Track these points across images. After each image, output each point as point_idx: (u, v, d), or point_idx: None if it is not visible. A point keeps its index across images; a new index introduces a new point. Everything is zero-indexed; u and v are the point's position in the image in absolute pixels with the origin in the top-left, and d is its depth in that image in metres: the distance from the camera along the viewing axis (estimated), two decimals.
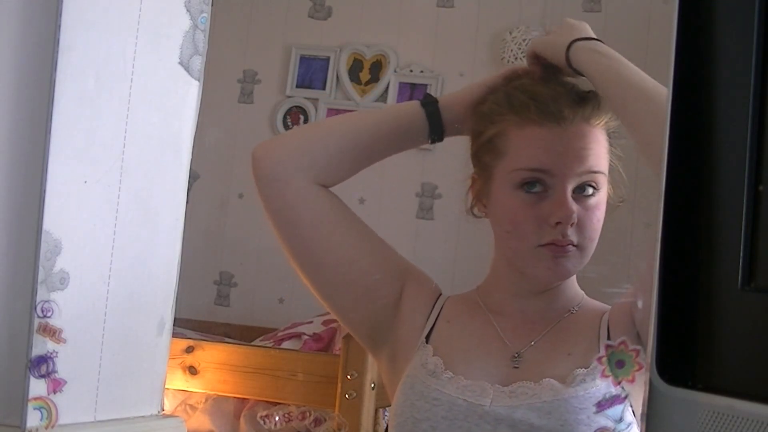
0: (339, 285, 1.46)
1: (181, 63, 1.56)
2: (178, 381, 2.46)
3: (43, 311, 1.38)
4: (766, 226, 0.68)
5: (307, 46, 3.78)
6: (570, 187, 1.35)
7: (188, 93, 1.59)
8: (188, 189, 1.62)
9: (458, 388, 1.36)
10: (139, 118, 1.50)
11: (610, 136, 1.40)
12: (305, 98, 3.75)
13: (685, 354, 0.72)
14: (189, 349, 2.47)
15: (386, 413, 2.46)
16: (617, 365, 1.34)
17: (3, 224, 1.38)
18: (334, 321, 2.86)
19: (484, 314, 1.45)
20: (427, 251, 3.33)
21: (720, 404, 0.68)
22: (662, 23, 3.26)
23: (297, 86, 3.77)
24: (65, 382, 1.41)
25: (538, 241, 1.35)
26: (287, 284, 3.61)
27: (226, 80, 3.81)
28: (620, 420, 1.32)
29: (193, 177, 3.62)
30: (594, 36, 1.41)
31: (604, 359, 1.34)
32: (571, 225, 1.34)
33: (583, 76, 1.39)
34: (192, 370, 2.46)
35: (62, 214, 1.40)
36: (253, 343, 2.95)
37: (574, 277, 1.44)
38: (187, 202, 1.62)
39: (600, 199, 1.38)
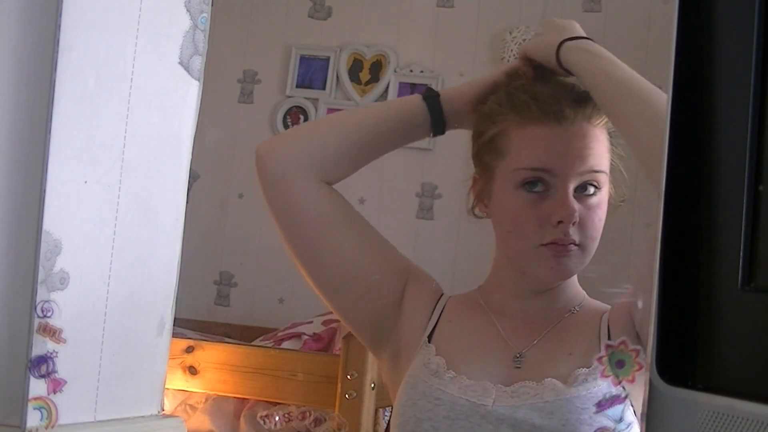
0: (341, 284, 1.46)
1: (181, 63, 1.56)
2: (178, 381, 2.46)
3: (43, 311, 1.38)
4: (766, 226, 0.68)
5: (307, 46, 3.78)
6: (571, 187, 1.35)
7: (188, 93, 1.59)
8: (188, 189, 1.62)
9: (460, 388, 1.36)
10: (139, 118, 1.50)
11: (611, 135, 1.40)
12: (305, 98, 3.75)
13: (685, 354, 0.72)
14: (189, 349, 2.47)
15: (386, 413, 2.45)
16: (617, 365, 1.34)
17: (3, 224, 1.38)
18: (334, 321, 2.86)
19: (486, 314, 1.45)
20: (427, 251, 3.33)
21: (720, 404, 0.68)
22: (662, 23, 3.26)
23: (297, 86, 3.77)
24: (65, 382, 1.41)
25: (540, 240, 1.35)
26: (287, 284, 3.61)
27: (226, 80, 3.81)
28: (620, 420, 1.32)
29: (193, 177, 3.62)
30: (583, 34, 1.40)
31: (605, 359, 1.34)
32: (573, 224, 1.34)
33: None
34: (192, 370, 2.46)
35: (62, 214, 1.40)
36: (253, 343, 2.95)
37: (575, 277, 1.44)
38: (187, 202, 1.62)
39: (601, 199, 1.38)
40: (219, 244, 3.80)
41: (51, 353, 1.39)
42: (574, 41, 1.38)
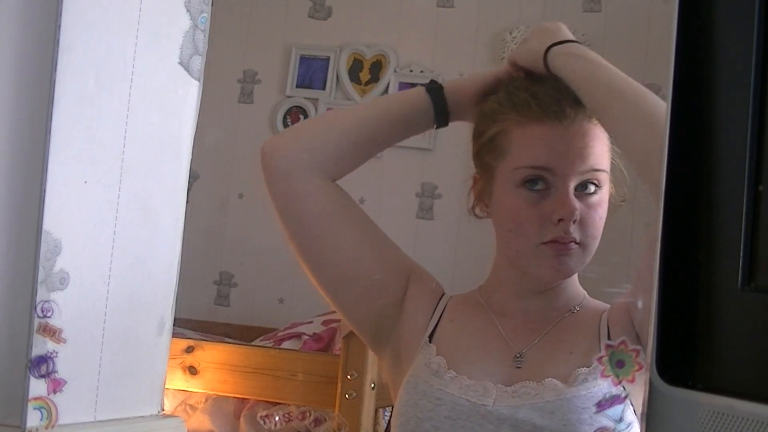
0: (343, 283, 1.46)
1: (181, 63, 1.56)
2: (178, 381, 2.46)
3: (43, 311, 1.38)
4: (766, 226, 0.68)
5: (307, 46, 3.78)
6: (572, 185, 1.35)
7: (188, 93, 1.59)
8: (188, 189, 1.62)
9: (461, 388, 1.36)
10: (139, 118, 1.50)
11: None
12: (305, 98, 3.75)
13: (685, 354, 0.72)
14: (189, 349, 2.47)
15: (386, 413, 2.45)
16: (617, 365, 1.34)
17: (3, 224, 1.38)
18: (334, 321, 2.86)
19: (487, 314, 1.45)
20: (427, 251, 3.33)
21: (720, 404, 0.68)
22: (662, 23, 3.26)
23: (297, 86, 3.77)
24: (65, 382, 1.41)
25: (541, 239, 1.35)
26: (287, 284, 3.61)
27: (226, 80, 3.81)
28: (620, 420, 1.32)
29: (193, 177, 3.62)
30: (571, 37, 1.40)
31: (605, 359, 1.34)
32: (574, 222, 1.34)
33: None
34: (192, 370, 2.46)
35: (62, 214, 1.40)
36: (253, 343, 2.95)
37: (575, 277, 1.44)
38: (187, 202, 1.62)
39: (602, 197, 1.38)
40: (219, 244, 3.80)
41: (51, 353, 1.39)
42: (560, 46, 1.37)
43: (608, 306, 1.43)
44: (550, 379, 1.34)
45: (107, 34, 1.44)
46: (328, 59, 3.74)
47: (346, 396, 2.27)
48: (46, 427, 1.39)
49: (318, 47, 3.77)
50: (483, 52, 3.57)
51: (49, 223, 1.38)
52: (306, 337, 2.85)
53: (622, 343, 1.34)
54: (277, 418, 2.37)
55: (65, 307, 1.40)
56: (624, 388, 1.33)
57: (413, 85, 3.58)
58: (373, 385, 2.28)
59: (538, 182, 1.36)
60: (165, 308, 1.59)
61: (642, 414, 0.74)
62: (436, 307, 1.47)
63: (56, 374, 1.40)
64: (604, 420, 1.31)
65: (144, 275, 1.54)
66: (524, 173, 1.36)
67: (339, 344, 2.59)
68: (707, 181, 0.73)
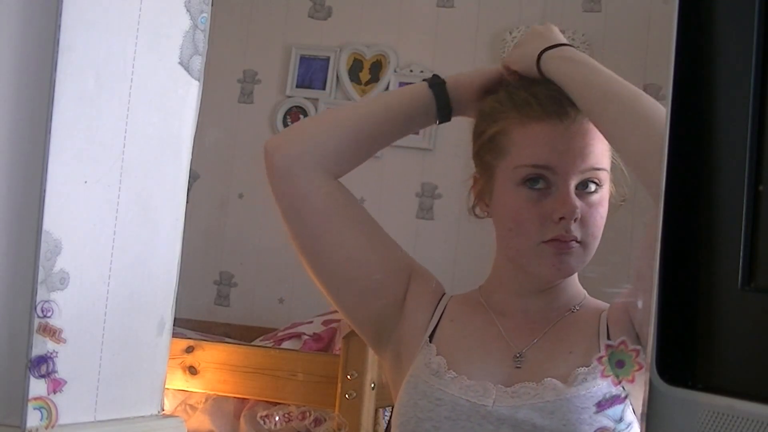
0: (345, 281, 1.46)
1: (181, 63, 1.56)
2: (178, 381, 2.46)
3: (43, 311, 1.38)
4: (766, 226, 0.68)
5: (307, 46, 3.78)
6: (573, 184, 1.35)
7: (188, 93, 1.58)
8: (188, 189, 1.62)
9: (461, 388, 1.36)
10: (139, 118, 1.50)
11: None
12: (305, 98, 3.75)
13: (685, 354, 0.72)
14: (189, 349, 2.47)
15: (386, 413, 2.45)
16: (617, 365, 1.34)
17: (3, 224, 1.38)
18: (334, 321, 2.86)
19: (487, 314, 1.45)
20: (427, 251, 3.33)
21: (720, 404, 0.68)
22: (662, 23, 3.26)
23: (297, 86, 3.77)
24: (65, 382, 1.41)
25: (542, 237, 1.35)
26: (287, 284, 3.61)
27: (226, 80, 3.81)
28: (620, 420, 1.32)
29: (193, 177, 3.62)
30: (563, 40, 1.40)
31: (605, 359, 1.34)
32: (575, 221, 1.34)
33: None
34: (192, 370, 2.46)
35: (62, 214, 1.40)
36: (253, 343, 2.95)
37: (575, 276, 1.44)
38: (187, 202, 1.62)
39: (602, 196, 1.38)
40: (219, 244, 3.80)
41: (51, 353, 1.39)
42: (553, 50, 1.37)
43: (608, 305, 1.43)
44: (549, 379, 1.34)
45: (107, 34, 1.44)
46: (328, 59, 3.74)
47: (346, 396, 2.27)
48: (46, 427, 1.39)
49: (318, 47, 3.77)
50: (483, 52, 3.57)
51: (49, 223, 1.38)
52: (306, 337, 2.85)
53: (622, 343, 1.34)
54: (277, 418, 2.37)
55: (65, 307, 1.40)
56: (624, 388, 1.33)
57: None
58: (373, 385, 2.28)
59: (539, 181, 1.36)
60: (165, 308, 1.59)
61: (642, 414, 0.74)
62: (436, 307, 1.47)
63: (56, 374, 1.40)
64: (604, 420, 1.31)
65: (144, 275, 1.54)
66: (525, 172, 1.36)
67: (339, 344, 2.58)
68: (707, 181, 0.73)
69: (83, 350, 1.44)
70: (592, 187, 1.37)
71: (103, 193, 1.46)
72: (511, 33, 3.50)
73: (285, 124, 3.74)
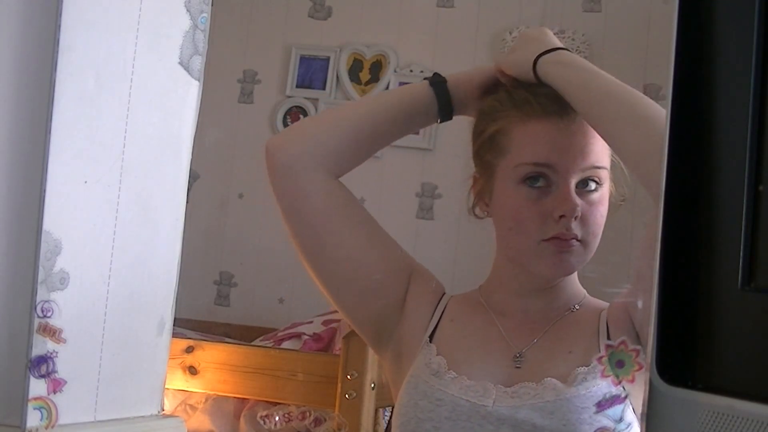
0: (345, 281, 1.46)
1: (181, 63, 1.56)
2: (178, 381, 2.46)
3: (43, 311, 1.38)
4: (766, 226, 0.68)
5: (307, 46, 3.78)
6: (573, 182, 1.35)
7: (188, 93, 1.58)
8: (188, 189, 1.62)
9: (461, 388, 1.36)
10: (139, 118, 1.50)
11: None
12: (305, 98, 3.75)
13: (685, 354, 0.72)
14: (189, 349, 2.47)
15: (386, 413, 2.45)
16: (617, 365, 1.34)
17: (3, 224, 1.38)
18: (334, 321, 2.86)
19: (487, 314, 1.45)
20: (427, 251, 3.33)
21: (720, 404, 0.68)
22: (662, 23, 3.26)
23: (297, 86, 3.77)
24: (65, 382, 1.41)
25: (542, 235, 1.35)
26: (287, 284, 3.61)
27: (226, 80, 3.81)
28: (620, 420, 1.32)
29: (193, 177, 3.62)
30: (558, 44, 1.39)
31: (605, 359, 1.34)
32: (575, 219, 1.34)
33: None
34: (192, 370, 2.46)
35: (62, 214, 1.40)
36: (253, 343, 2.95)
37: (575, 275, 1.44)
38: (187, 202, 1.62)
39: (603, 195, 1.38)
40: (219, 244, 3.80)
41: (51, 353, 1.39)
42: (549, 54, 1.37)
43: (607, 304, 1.43)
44: (549, 378, 1.34)
45: (107, 34, 1.44)
46: (328, 59, 3.74)
47: (346, 396, 2.27)
48: (46, 427, 1.39)
49: (318, 47, 3.77)
50: (483, 52, 3.57)
51: (49, 223, 1.38)
52: (306, 337, 2.85)
53: (622, 343, 1.34)
54: (277, 418, 2.37)
55: (65, 307, 1.40)
56: (624, 388, 1.33)
57: None
58: (373, 385, 2.28)
59: (539, 179, 1.36)
60: (165, 308, 1.59)
61: (642, 414, 0.74)
62: (436, 307, 1.47)
63: (56, 374, 1.40)
64: (604, 420, 1.31)
65: (144, 275, 1.54)
66: (525, 170, 1.36)
67: (339, 344, 2.58)
68: (707, 181, 0.73)
69: (83, 350, 1.44)
70: (592, 185, 1.37)
71: (103, 193, 1.46)
72: (511, 33, 3.50)
73: (285, 124, 3.74)
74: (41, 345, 1.38)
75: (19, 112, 1.39)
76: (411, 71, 3.65)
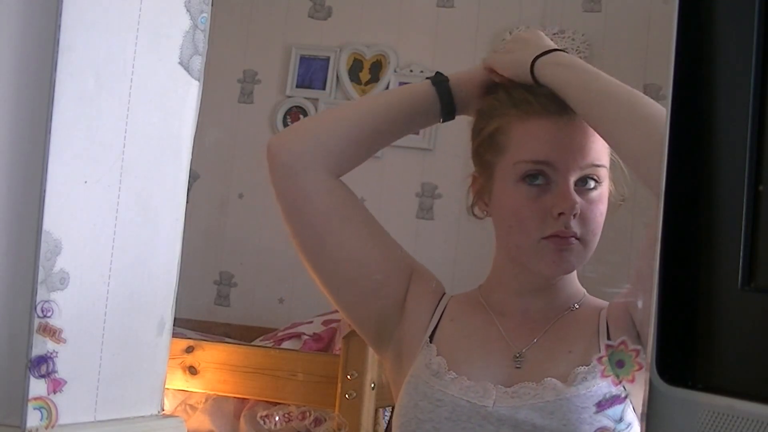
0: (345, 281, 1.46)
1: (181, 63, 1.56)
2: (178, 381, 2.46)
3: (43, 311, 1.38)
4: (766, 226, 0.68)
5: (307, 46, 3.78)
6: (572, 180, 1.35)
7: (188, 93, 1.58)
8: (188, 189, 1.62)
9: (461, 389, 1.36)
10: (139, 118, 1.50)
11: None
12: (305, 98, 3.75)
13: (685, 354, 0.72)
14: (189, 349, 2.47)
15: (386, 413, 2.45)
16: (617, 365, 1.34)
17: (3, 224, 1.38)
18: (334, 321, 2.86)
19: (487, 313, 1.45)
20: (427, 251, 3.33)
21: (720, 404, 0.68)
22: (662, 23, 3.26)
23: (297, 86, 3.77)
24: (65, 382, 1.41)
25: (541, 233, 1.35)
26: (287, 284, 3.61)
27: (226, 80, 3.81)
28: (620, 420, 1.32)
29: (193, 177, 3.62)
30: (553, 46, 1.39)
31: (605, 359, 1.34)
32: (574, 216, 1.34)
33: None
34: (192, 370, 2.46)
35: (62, 214, 1.40)
36: (253, 343, 2.95)
37: (575, 274, 1.44)
38: (187, 202, 1.62)
39: (602, 193, 1.38)
40: (219, 244, 3.80)
41: (51, 353, 1.39)
42: (547, 56, 1.37)
43: (606, 303, 1.43)
44: (549, 378, 1.34)
45: (107, 34, 1.44)
46: (328, 59, 3.74)
47: (346, 396, 2.27)
48: (46, 427, 1.39)
49: (318, 47, 3.77)
50: (483, 52, 3.56)
51: (49, 223, 1.38)
52: (306, 337, 2.85)
53: (622, 343, 1.34)
54: (277, 418, 2.37)
55: (65, 307, 1.40)
56: (624, 388, 1.33)
57: None
58: (373, 385, 2.28)
59: (538, 177, 1.36)
60: (165, 308, 1.59)
61: (642, 414, 0.74)
62: (436, 307, 1.47)
63: (56, 374, 1.40)
64: (604, 420, 1.31)
65: (144, 275, 1.54)
66: (524, 168, 1.36)
67: (339, 344, 2.59)
68: (707, 181, 0.73)
69: (83, 350, 1.44)
70: (591, 183, 1.37)
71: (103, 193, 1.46)
72: (511, 33, 3.50)
73: (285, 124, 3.74)
74: (41, 345, 1.38)
75: (19, 112, 1.39)
76: (411, 71, 3.65)
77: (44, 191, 1.37)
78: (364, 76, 3.71)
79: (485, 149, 1.41)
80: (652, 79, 3.14)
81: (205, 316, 3.64)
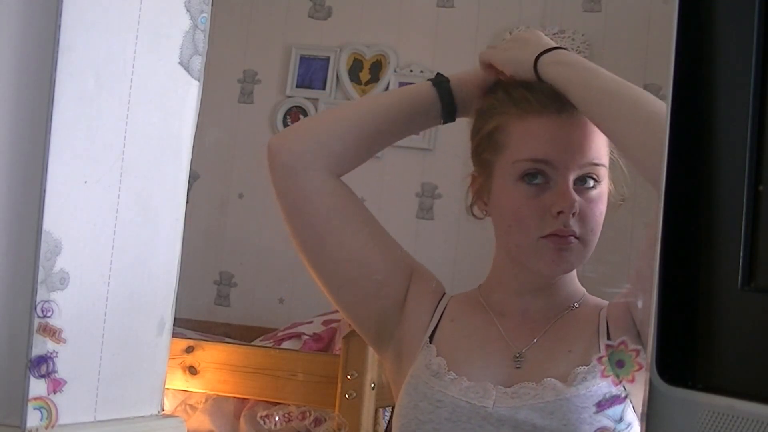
0: (346, 281, 1.46)
1: (181, 63, 1.56)
2: (178, 381, 2.46)
3: (43, 311, 1.38)
4: (766, 226, 0.68)
5: (307, 46, 3.78)
6: (571, 178, 1.35)
7: (188, 93, 1.58)
8: (188, 189, 1.62)
9: (461, 389, 1.36)
10: (139, 118, 1.50)
11: None
12: (305, 98, 3.75)
13: (685, 354, 0.72)
14: (189, 349, 2.47)
15: (386, 413, 2.45)
16: (617, 365, 1.34)
17: (3, 224, 1.38)
18: (334, 321, 2.86)
19: (487, 314, 1.45)
20: (427, 251, 3.33)
21: (720, 404, 0.68)
22: (662, 23, 3.26)
23: (297, 86, 3.77)
24: (65, 382, 1.41)
25: (541, 232, 1.35)
26: (287, 284, 3.61)
27: (226, 80, 3.81)
28: (620, 420, 1.32)
29: (193, 177, 3.62)
30: (553, 44, 1.39)
31: (605, 359, 1.34)
32: (573, 215, 1.34)
33: None
34: (192, 370, 2.46)
35: (62, 214, 1.40)
36: (253, 343, 2.95)
37: (574, 274, 1.44)
38: (187, 202, 1.62)
39: (601, 192, 1.38)
40: (219, 244, 3.80)
41: (51, 353, 1.39)
42: (549, 54, 1.37)
43: (606, 302, 1.43)
44: (549, 379, 1.34)
45: (107, 34, 1.44)
46: (328, 59, 3.74)
47: (346, 396, 2.27)
48: (46, 427, 1.39)
49: (318, 47, 3.77)
50: None
51: (49, 223, 1.38)
52: (306, 337, 2.85)
53: (622, 343, 1.34)
54: (277, 418, 2.37)
55: (65, 307, 1.40)
56: (624, 388, 1.33)
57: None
58: (373, 385, 2.28)
59: (538, 176, 1.35)
60: (165, 308, 1.58)
61: (642, 414, 0.74)
62: (436, 307, 1.47)
63: (56, 374, 1.40)
64: (604, 420, 1.31)
65: (144, 275, 1.54)
66: (524, 166, 1.36)
67: (339, 344, 2.58)
68: (707, 181, 0.73)
69: (83, 350, 1.44)
70: (591, 182, 1.37)
71: (103, 193, 1.46)
72: (511, 33, 3.50)
73: (285, 124, 3.74)
74: (41, 345, 1.38)
75: (19, 112, 1.39)
76: (411, 71, 3.65)
77: (44, 191, 1.37)
78: (364, 76, 3.71)
79: (484, 148, 1.41)
80: (652, 79, 3.14)
81: (205, 316, 3.64)
